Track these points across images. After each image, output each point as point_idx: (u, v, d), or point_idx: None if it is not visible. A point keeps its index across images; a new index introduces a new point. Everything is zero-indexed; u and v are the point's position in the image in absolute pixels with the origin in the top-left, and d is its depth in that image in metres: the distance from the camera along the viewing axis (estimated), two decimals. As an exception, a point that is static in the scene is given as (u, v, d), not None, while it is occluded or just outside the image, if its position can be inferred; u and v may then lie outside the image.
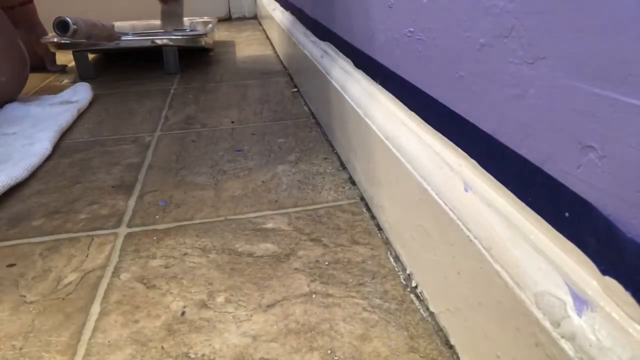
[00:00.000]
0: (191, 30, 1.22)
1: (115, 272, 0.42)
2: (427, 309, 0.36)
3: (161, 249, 0.45)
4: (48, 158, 0.64)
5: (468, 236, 0.28)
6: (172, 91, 0.94)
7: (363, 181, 0.51)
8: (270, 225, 0.48)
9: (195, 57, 1.21)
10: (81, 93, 0.87)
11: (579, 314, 0.21)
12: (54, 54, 1.11)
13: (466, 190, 0.30)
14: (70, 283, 0.40)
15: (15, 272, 0.42)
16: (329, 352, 0.33)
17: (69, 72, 1.11)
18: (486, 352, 0.28)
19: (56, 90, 0.94)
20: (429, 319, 0.35)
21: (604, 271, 0.21)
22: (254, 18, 1.85)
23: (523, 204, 0.26)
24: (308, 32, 0.84)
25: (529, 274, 0.24)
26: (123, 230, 0.48)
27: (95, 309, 0.37)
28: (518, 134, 0.26)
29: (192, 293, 0.39)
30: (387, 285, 0.39)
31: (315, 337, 0.34)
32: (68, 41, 0.97)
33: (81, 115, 0.81)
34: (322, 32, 0.73)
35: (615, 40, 0.19)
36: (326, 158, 0.62)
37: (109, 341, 0.34)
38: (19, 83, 0.85)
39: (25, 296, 0.39)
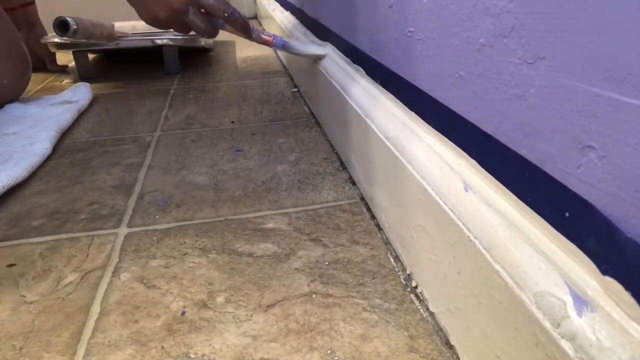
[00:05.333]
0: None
1: (115, 272, 0.42)
2: (427, 309, 0.36)
3: (161, 249, 0.45)
4: (48, 158, 0.64)
5: (468, 236, 0.28)
6: (172, 91, 0.94)
7: (363, 181, 0.51)
8: (270, 225, 0.48)
9: (195, 57, 1.21)
10: (81, 93, 0.87)
11: (579, 314, 0.21)
12: (54, 54, 1.11)
13: (466, 190, 0.30)
14: (70, 283, 0.40)
15: (15, 272, 0.42)
16: (329, 352, 0.33)
17: (69, 72, 1.11)
18: (486, 352, 0.28)
19: (56, 90, 0.94)
20: (429, 319, 0.35)
21: (604, 271, 0.21)
22: (254, 18, 1.85)
23: (523, 204, 0.26)
24: (308, 32, 0.84)
25: (529, 274, 0.24)
26: (123, 230, 0.48)
27: (95, 309, 0.37)
28: (518, 134, 0.26)
29: (192, 293, 0.39)
30: (387, 285, 0.39)
31: (315, 337, 0.34)
32: (68, 41, 0.97)
33: (81, 115, 0.81)
34: (322, 32, 0.73)
35: (615, 40, 0.19)
36: (326, 158, 0.62)
37: (109, 341, 0.34)
38: (21, 85, 0.85)
39: (25, 296, 0.39)
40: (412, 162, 0.37)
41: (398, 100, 0.43)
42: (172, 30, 0.58)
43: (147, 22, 0.57)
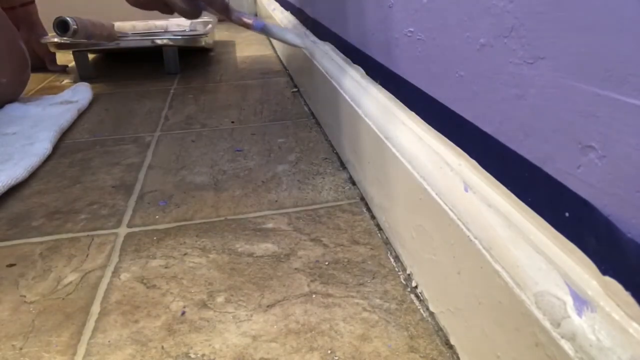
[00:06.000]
0: (191, 30, 1.22)
1: (115, 272, 0.42)
2: (427, 309, 0.36)
3: (161, 249, 0.45)
4: (48, 158, 0.64)
5: (468, 236, 0.28)
6: (172, 91, 0.94)
7: (363, 181, 0.51)
8: (270, 225, 0.48)
9: (195, 57, 1.21)
10: (81, 93, 0.87)
11: (579, 314, 0.21)
12: (54, 54, 1.11)
13: (466, 190, 0.30)
14: (70, 283, 0.40)
15: (15, 272, 0.42)
16: (329, 352, 0.33)
17: (69, 72, 1.11)
18: (486, 352, 0.28)
19: (56, 90, 0.94)
20: (429, 319, 0.35)
21: (604, 271, 0.21)
22: (254, 18, 1.85)
23: (523, 204, 0.26)
24: (308, 32, 0.84)
25: (529, 274, 0.24)
26: (123, 230, 0.48)
27: (95, 309, 0.37)
28: (518, 134, 0.26)
29: (192, 293, 0.39)
30: (387, 285, 0.39)
31: (315, 337, 0.34)
32: (68, 41, 0.97)
33: (81, 115, 0.81)
34: (322, 32, 0.73)
35: (615, 40, 0.19)
36: (326, 158, 0.62)
37: (109, 341, 0.34)
38: (20, 84, 0.85)
39: (25, 296, 0.39)
40: (412, 162, 0.37)
41: (398, 100, 0.43)
42: (166, 21, 0.63)
43: (131, 4, 0.58)
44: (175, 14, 0.60)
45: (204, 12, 0.61)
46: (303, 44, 0.70)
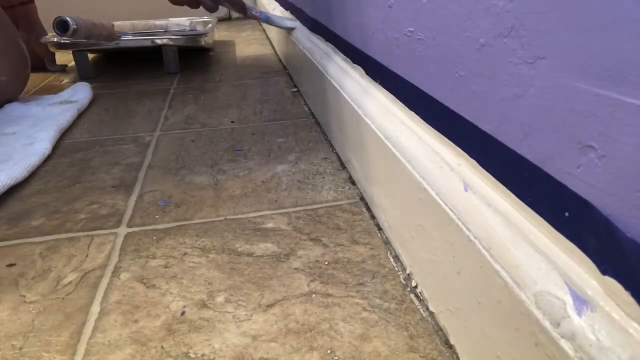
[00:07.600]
0: (191, 30, 1.22)
1: (115, 272, 0.42)
2: (427, 309, 0.36)
3: (161, 249, 0.45)
4: (48, 158, 0.64)
5: (468, 236, 0.28)
6: (172, 91, 0.94)
7: (363, 181, 0.51)
8: (270, 225, 0.48)
9: (195, 57, 1.21)
10: (81, 93, 0.87)
11: (579, 314, 0.21)
12: (54, 54, 1.11)
13: (466, 190, 0.30)
14: (70, 283, 0.40)
15: (15, 272, 0.42)
16: (329, 352, 0.33)
17: (69, 72, 1.11)
18: (486, 352, 0.28)
19: (56, 90, 0.94)
20: (429, 319, 0.35)
21: (604, 271, 0.21)
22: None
23: (523, 204, 0.26)
24: (308, 32, 0.84)
25: (529, 274, 0.24)
26: (123, 230, 0.48)
27: (95, 309, 0.37)
28: (518, 134, 0.26)
29: (192, 293, 0.39)
30: (387, 285, 0.39)
31: (315, 337, 0.34)
32: (68, 41, 0.97)
33: (81, 115, 0.81)
34: (322, 32, 0.73)
35: (615, 40, 0.19)
36: (326, 158, 0.62)
37: (109, 341, 0.34)
38: (20, 83, 0.85)
39: (25, 296, 0.39)
40: (412, 162, 0.37)
41: (398, 100, 0.43)
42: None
43: (172, 2, 0.78)
44: (177, 11, 0.77)
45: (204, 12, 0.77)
46: (295, 25, 0.89)
